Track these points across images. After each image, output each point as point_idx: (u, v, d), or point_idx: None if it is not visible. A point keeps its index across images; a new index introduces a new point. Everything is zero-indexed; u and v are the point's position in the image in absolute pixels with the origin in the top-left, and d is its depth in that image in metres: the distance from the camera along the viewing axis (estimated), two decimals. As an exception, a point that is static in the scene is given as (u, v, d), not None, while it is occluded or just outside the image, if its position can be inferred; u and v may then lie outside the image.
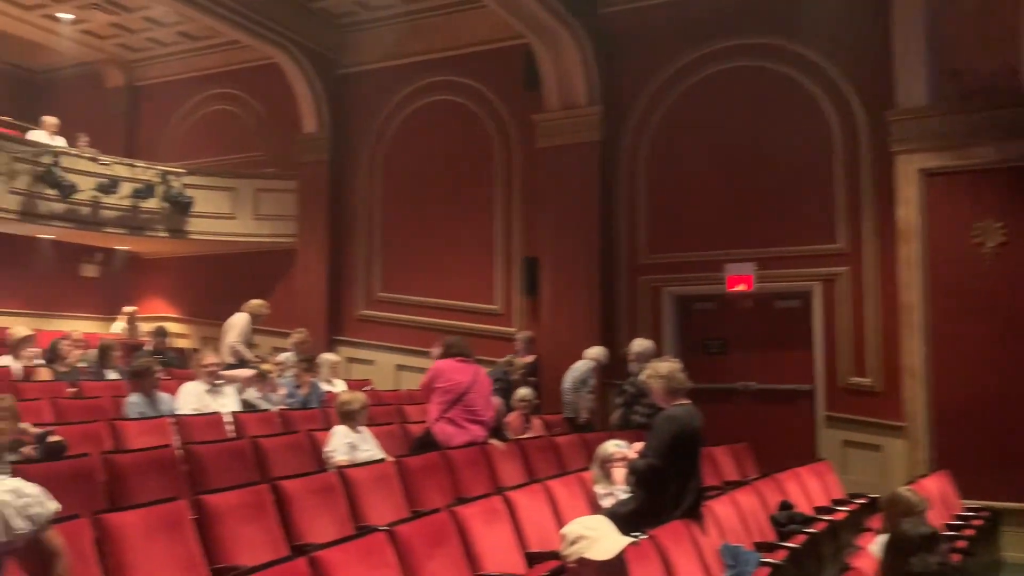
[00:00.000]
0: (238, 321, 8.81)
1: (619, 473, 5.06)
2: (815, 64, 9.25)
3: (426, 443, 5.99)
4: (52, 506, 2.06)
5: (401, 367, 11.35)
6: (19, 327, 8.32)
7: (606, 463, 5.17)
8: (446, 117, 11.43)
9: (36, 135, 11.57)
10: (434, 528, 3.89)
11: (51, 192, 10.74)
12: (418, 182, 11.58)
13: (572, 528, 2.83)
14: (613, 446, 5.19)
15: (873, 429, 8.66)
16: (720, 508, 4.99)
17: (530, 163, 10.63)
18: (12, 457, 3.99)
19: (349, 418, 5.70)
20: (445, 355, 6.36)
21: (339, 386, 9.02)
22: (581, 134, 10.02)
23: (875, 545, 3.97)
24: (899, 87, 8.51)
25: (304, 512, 4.30)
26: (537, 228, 10.39)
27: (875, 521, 5.11)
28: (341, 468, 4.91)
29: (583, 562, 2.75)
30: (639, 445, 4.71)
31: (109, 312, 13.44)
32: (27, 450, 4.51)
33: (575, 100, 10.09)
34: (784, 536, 5.40)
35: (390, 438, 6.42)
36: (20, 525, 1.96)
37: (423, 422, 7.17)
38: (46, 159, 10.73)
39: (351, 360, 11.65)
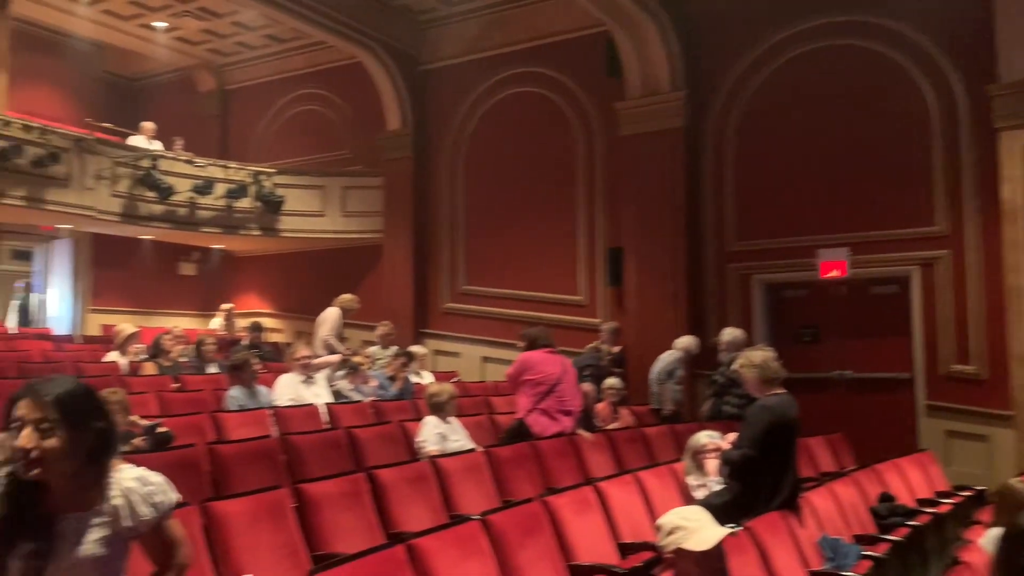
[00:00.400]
0: (330, 315, 9.03)
1: (712, 464, 4.98)
2: (908, 39, 8.87)
3: (519, 434, 6.00)
4: (174, 496, 2.14)
5: (487, 359, 11.44)
6: (125, 324, 8.72)
7: (698, 454, 5.09)
8: (527, 109, 11.44)
9: (135, 140, 12.10)
10: (527, 518, 3.90)
11: (150, 194, 11.22)
12: (500, 175, 11.62)
13: (669, 518, 2.80)
14: (706, 437, 5.10)
15: (978, 418, 8.28)
16: (818, 500, 4.85)
17: (613, 152, 10.54)
18: (123, 448, 4.19)
19: (438, 409, 5.77)
20: (532, 347, 6.35)
21: (427, 378, 9.15)
22: (664, 120, 9.87)
23: (986, 539, 3.78)
24: (1001, 59, 8.09)
25: (399, 501, 4.37)
26: (621, 217, 10.29)
27: (984, 514, 4.89)
28: (433, 458, 4.97)
29: (680, 552, 2.72)
30: (732, 436, 4.61)
31: (206, 309, 13.99)
32: (137, 441, 4.74)
33: (658, 86, 9.94)
34: (885, 529, 5.22)
35: (479, 429, 6.48)
36: (145, 512, 2.04)
37: (511, 413, 7.21)
38: (145, 163, 11.22)
39: (437, 352, 11.81)
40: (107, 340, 10.33)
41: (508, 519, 3.76)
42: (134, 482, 2.07)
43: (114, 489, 2.04)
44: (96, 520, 2.01)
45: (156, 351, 8.23)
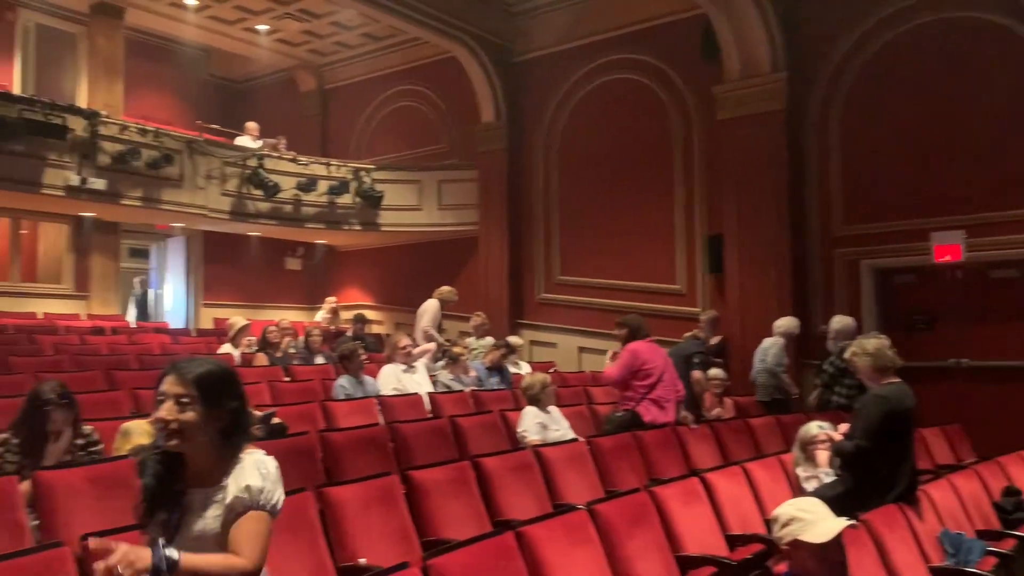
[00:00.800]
0: (430, 307, 9.19)
1: (823, 455, 4.84)
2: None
3: (630, 424, 5.96)
4: (280, 494, 2.17)
5: (583, 349, 11.42)
6: (237, 318, 9.08)
7: (809, 445, 4.95)
8: (622, 96, 11.32)
9: (242, 140, 12.57)
10: (633, 508, 3.88)
11: (257, 192, 11.65)
12: (595, 163, 11.55)
13: (785, 510, 2.73)
14: (816, 427, 4.96)
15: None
16: (937, 493, 4.65)
17: (711, 137, 10.32)
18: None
19: (534, 400, 5.80)
20: (633, 336, 6.29)
21: (525, 368, 9.22)
22: (765, 103, 9.59)
23: None
24: None
25: (503, 489, 4.41)
26: (720, 203, 10.06)
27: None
28: (536, 447, 4.99)
29: (797, 544, 2.65)
30: (845, 426, 4.46)
31: (311, 302, 14.44)
32: (252, 430, 4.93)
33: (757, 68, 9.67)
34: (1011, 524, 4.97)
35: (579, 419, 6.48)
36: (249, 495, 2.12)
37: (611, 403, 7.19)
38: (252, 162, 11.65)
39: (533, 343, 11.86)
40: (219, 333, 10.80)
41: (615, 509, 3.75)
42: (252, 465, 2.15)
43: (234, 469, 2.13)
44: (216, 497, 2.10)
45: (264, 343, 8.53)
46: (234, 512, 2.06)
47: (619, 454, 5.33)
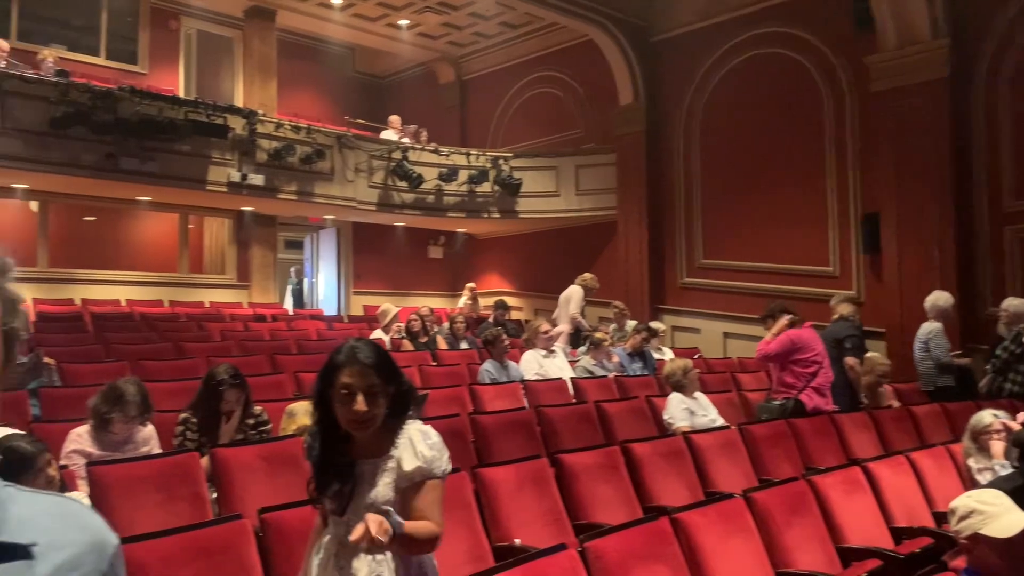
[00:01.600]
0: (575, 293, 9.22)
1: (997, 446, 4.50)
2: None
3: (793, 413, 5.77)
4: (447, 458, 2.28)
5: (728, 334, 11.13)
6: (388, 305, 9.41)
7: (982, 435, 4.61)
8: (767, 71, 10.89)
9: (386, 134, 12.98)
10: (791, 497, 3.75)
11: (401, 184, 12.01)
12: (739, 143, 11.19)
13: (963, 502, 2.56)
14: (990, 416, 4.62)
15: None
16: None
17: (864, 110, 9.77)
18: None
19: (679, 386, 5.70)
20: (793, 323, 6.06)
21: (668, 354, 9.08)
22: (925, 72, 8.96)
23: None
24: None
25: (653, 475, 4.37)
26: (876, 180, 9.51)
27: None
28: (686, 434, 4.91)
29: (978, 539, 2.48)
30: (1024, 415, 4.14)
31: (452, 289, 14.80)
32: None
33: (916, 35, 9.05)
34: None
35: (728, 406, 6.33)
36: (420, 462, 2.20)
37: (762, 390, 6.98)
38: (396, 155, 12.01)
39: (675, 328, 11.66)
40: (369, 319, 11.24)
41: (772, 497, 3.64)
42: (418, 434, 2.24)
43: (402, 437, 2.22)
44: (385, 466, 2.21)
45: (408, 332, 8.81)
46: (411, 483, 2.16)
47: (773, 442, 5.17)
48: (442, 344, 8.74)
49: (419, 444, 2.20)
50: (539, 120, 13.94)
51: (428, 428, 2.27)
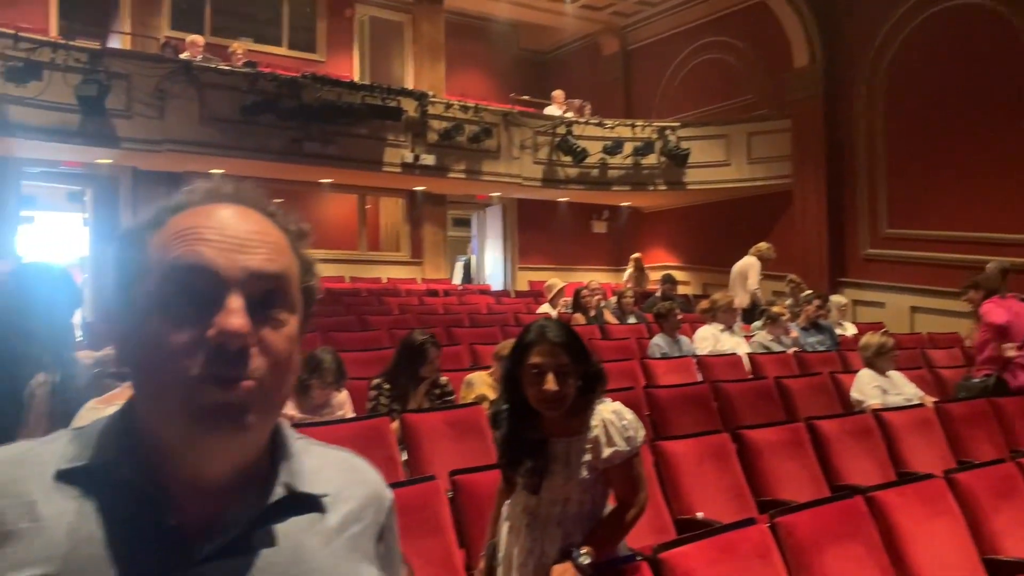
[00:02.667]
0: (751, 265, 8.94)
1: None
2: None
3: (991, 391, 5.36)
4: (643, 433, 2.28)
5: (916, 308, 10.42)
6: (555, 280, 9.48)
7: None
8: (960, 24, 9.97)
9: (550, 110, 13.03)
10: (998, 480, 3.49)
11: (566, 159, 12.03)
12: (928, 103, 10.36)
13: None
14: None
15: None
16: None
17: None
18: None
19: (871, 363, 5.39)
20: (990, 295, 5.61)
21: (850, 329, 8.65)
22: None
23: None
24: None
25: (841, 453, 4.19)
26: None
27: None
28: (876, 411, 4.66)
29: None
30: None
31: (616, 263, 14.71)
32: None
33: None
34: None
35: (921, 383, 5.92)
36: (620, 445, 2.21)
37: (956, 367, 6.53)
38: (560, 130, 12.04)
39: (857, 303, 11.04)
40: (535, 294, 11.40)
41: (977, 480, 3.40)
42: (612, 415, 2.24)
43: (595, 419, 2.23)
44: (580, 446, 2.23)
45: (577, 303, 8.84)
46: (611, 465, 2.18)
47: (972, 422, 4.82)
48: (610, 318, 8.72)
49: (614, 427, 2.20)
50: (707, 88, 13.51)
51: (620, 407, 2.27)
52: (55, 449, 0.77)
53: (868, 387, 5.21)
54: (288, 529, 0.79)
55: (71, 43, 8.91)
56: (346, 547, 0.83)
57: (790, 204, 11.99)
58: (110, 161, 10.24)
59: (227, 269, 0.74)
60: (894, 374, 5.37)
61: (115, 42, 11.87)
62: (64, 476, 0.75)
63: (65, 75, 8.59)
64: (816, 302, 7.73)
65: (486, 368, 5.10)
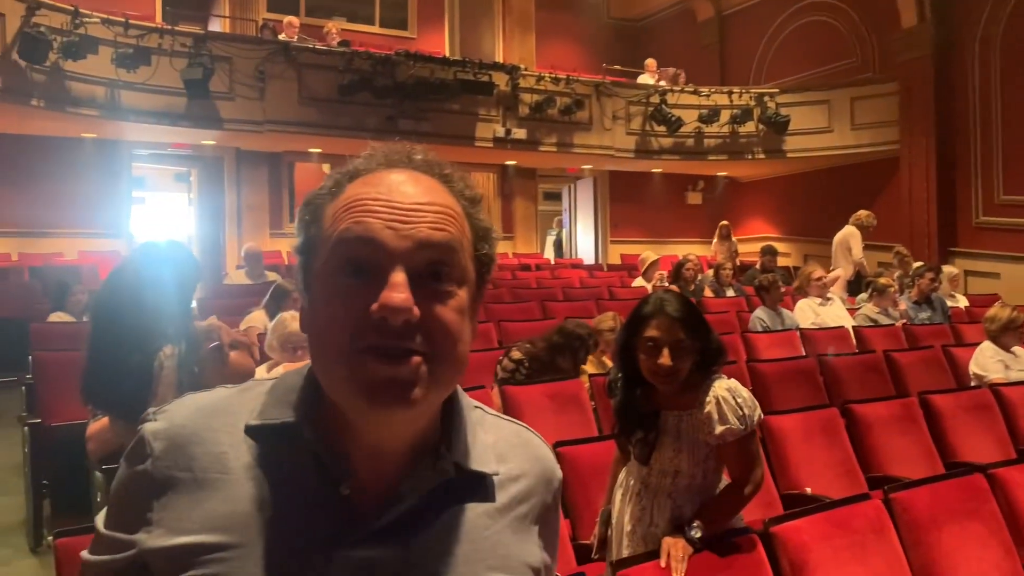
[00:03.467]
0: (853, 235, 8.63)
1: None
2: None
3: None
4: (759, 413, 2.23)
5: (1036, 279, 9.87)
6: (648, 253, 9.36)
7: None
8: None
9: (643, 79, 12.80)
10: None
11: (660, 129, 11.82)
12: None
13: None
14: None
15: None
16: None
17: None
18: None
19: (994, 336, 5.12)
20: None
21: (962, 301, 8.25)
22: None
23: None
24: None
25: (956, 429, 4.01)
26: None
27: None
28: (993, 386, 4.44)
29: None
30: None
31: (711, 236, 14.38)
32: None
33: None
34: None
35: (1042, 357, 5.62)
36: (733, 422, 2.17)
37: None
38: (654, 99, 11.83)
39: (969, 273, 10.51)
40: (628, 268, 11.29)
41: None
42: (726, 392, 2.20)
43: (709, 395, 2.20)
44: (691, 420, 2.20)
45: (676, 277, 8.70)
46: (722, 440, 2.15)
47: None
48: (708, 291, 8.57)
49: (728, 404, 2.17)
50: (808, 51, 13.00)
51: (736, 384, 2.24)
52: (247, 401, 0.79)
53: (990, 361, 4.96)
54: (457, 507, 0.79)
55: (176, 28, 9.25)
56: (511, 527, 0.82)
57: (896, 171, 11.48)
58: (214, 142, 10.64)
59: (391, 242, 0.73)
60: (1018, 349, 5.09)
61: (215, 26, 12.27)
62: (252, 431, 0.77)
63: (172, 60, 8.95)
64: (929, 275, 7.38)
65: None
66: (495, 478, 0.82)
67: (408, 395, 0.71)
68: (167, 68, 8.91)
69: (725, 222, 12.34)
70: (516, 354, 4.15)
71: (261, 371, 3.18)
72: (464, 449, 0.80)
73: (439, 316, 0.73)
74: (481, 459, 0.81)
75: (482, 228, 0.82)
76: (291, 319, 3.49)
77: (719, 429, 2.16)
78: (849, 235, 8.67)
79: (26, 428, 4.07)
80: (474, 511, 0.80)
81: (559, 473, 0.91)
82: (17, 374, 6.01)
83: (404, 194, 0.76)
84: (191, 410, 0.79)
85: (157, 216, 14.39)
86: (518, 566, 0.81)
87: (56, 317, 5.97)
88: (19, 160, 10.01)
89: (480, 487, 0.81)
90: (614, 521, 2.34)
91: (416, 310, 0.71)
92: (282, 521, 0.73)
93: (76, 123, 9.32)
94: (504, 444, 0.86)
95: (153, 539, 0.74)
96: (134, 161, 11.27)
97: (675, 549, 2.04)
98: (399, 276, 0.72)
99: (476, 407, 0.86)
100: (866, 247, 9.42)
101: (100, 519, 0.80)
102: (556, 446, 2.98)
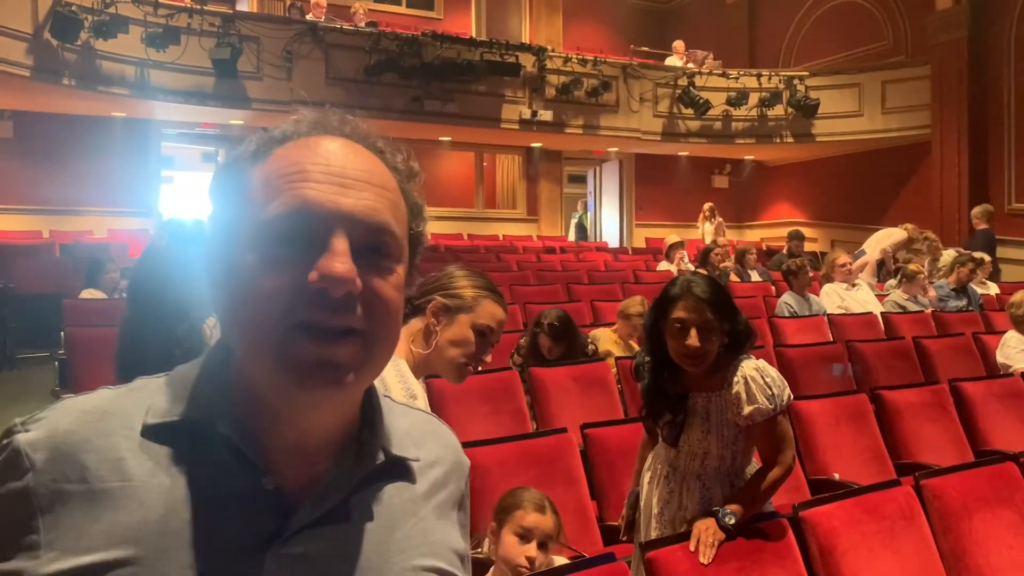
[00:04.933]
0: (899, 235, 8.54)
1: None
2: None
3: None
4: (788, 393, 2.21)
5: (1068, 267, 9.71)
6: (673, 236, 9.33)
7: None
8: None
9: (671, 61, 12.68)
10: None
11: (687, 111, 11.72)
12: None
13: None
14: None
15: None
16: None
17: None
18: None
19: (1021, 323, 5.05)
20: None
21: (993, 289, 8.14)
22: None
23: None
24: None
25: (987, 417, 3.98)
26: None
27: None
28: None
29: None
30: None
31: (739, 219, 14.30)
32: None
33: None
34: None
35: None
36: (762, 403, 2.15)
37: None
38: (682, 81, 11.72)
39: (1001, 261, 10.34)
40: (653, 251, 11.23)
41: None
42: (754, 372, 2.19)
43: (737, 376, 2.18)
44: (720, 402, 2.20)
45: (704, 262, 8.65)
46: (751, 420, 2.15)
47: None
48: (733, 276, 8.51)
49: (756, 384, 2.16)
50: (839, 34, 12.80)
51: (764, 364, 2.22)
52: (140, 400, 0.71)
53: (1014, 351, 4.89)
54: (382, 495, 0.75)
55: (205, 8, 9.28)
56: (435, 513, 0.79)
57: (927, 156, 11.31)
58: (242, 122, 10.69)
59: (332, 210, 0.67)
60: (1046, 336, 5.02)
61: (244, 5, 12.30)
62: (152, 432, 0.69)
63: (200, 39, 8.98)
64: (970, 264, 7.28)
65: (608, 324, 5.09)
66: (415, 464, 0.78)
67: (342, 378, 0.66)
68: (196, 48, 8.95)
69: (709, 204, 12.13)
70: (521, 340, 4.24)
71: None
72: (388, 435, 0.76)
73: (380, 291, 0.68)
74: (401, 445, 0.77)
75: (416, 204, 0.78)
76: None
77: (747, 409, 2.15)
78: (893, 234, 8.55)
79: (60, 402, 4.13)
80: (400, 498, 0.76)
81: (467, 461, 0.87)
82: (50, 349, 6.13)
83: (343, 163, 0.70)
84: (75, 414, 0.69)
85: (185, 195, 14.51)
86: (445, 552, 0.78)
87: (88, 294, 6.04)
88: (50, 139, 10.13)
89: (402, 473, 0.77)
90: (642, 504, 2.34)
91: (359, 282, 0.65)
92: (202, 525, 0.66)
93: (106, 102, 9.40)
94: (417, 431, 0.82)
95: (44, 564, 0.63)
96: (163, 140, 11.37)
97: (706, 534, 2.04)
98: (341, 243, 0.66)
99: (384, 395, 0.80)
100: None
101: None
102: (584, 428, 3.00)
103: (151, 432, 0.69)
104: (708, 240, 11.52)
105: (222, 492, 0.68)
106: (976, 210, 9.26)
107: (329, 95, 9.89)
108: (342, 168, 0.69)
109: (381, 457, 0.75)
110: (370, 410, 0.76)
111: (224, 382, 0.71)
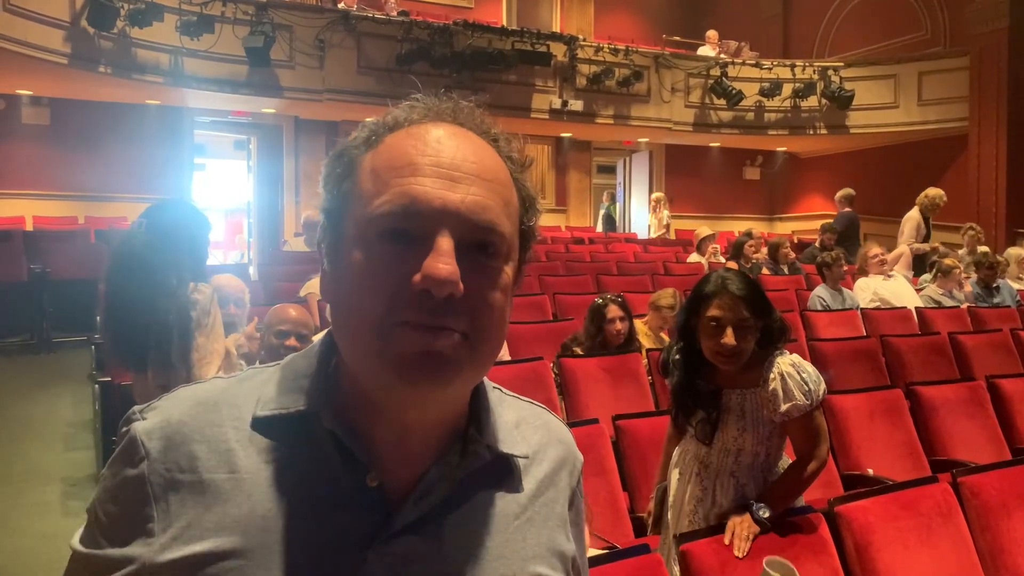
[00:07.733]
0: (909, 219, 8.41)
1: None
2: None
3: None
4: (823, 387, 2.19)
5: (1109, 263, 9.47)
6: (703, 228, 9.27)
7: None
8: None
9: (703, 51, 12.56)
10: None
11: (719, 102, 11.61)
12: None
13: None
14: None
15: None
16: None
17: None
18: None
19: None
20: None
21: (1031, 285, 8.00)
22: None
23: None
24: None
25: (1024, 415, 3.92)
26: None
27: None
28: (1065, 371, 4.31)
29: None
30: None
31: (770, 212, 14.17)
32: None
33: None
34: None
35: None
36: (798, 398, 2.13)
37: None
38: (714, 71, 11.60)
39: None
40: (683, 243, 11.15)
41: None
42: (791, 367, 2.17)
43: (772, 372, 2.16)
44: (756, 399, 2.18)
45: (736, 253, 8.57)
46: (788, 416, 2.13)
47: None
48: (764, 269, 8.43)
49: (793, 380, 2.13)
50: (875, 23, 12.59)
51: (799, 359, 2.20)
52: (250, 391, 0.72)
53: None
54: (485, 495, 0.74)
55: (239, -4, 9.34)
56: (541, 514, 0.77)
57: (964, 149, 11.11)
58: (274, 110, 10.75)
59: (439, 208, 0.65)
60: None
61: (276, -6, 12.33)
62: (260, 424, 0.69)
63: (234, 27, 9.05)
64: (987, 271, 7.15)
65: (639, 316, 5.06)
66: (522, 462, 0.77)
67: (445, 375, 0.65)
68: (229, 36, 9.02)
69: (659, 194, 11.94)
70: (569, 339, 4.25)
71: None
72: (493, 431, 0.74)
73: (484, 295, 0.66)
74: (510, 441, 0.76)
75: (529, 197, 0.74)
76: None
77: (785, 406, 2.13)
78: (906, 219, 8.43)
79: (96, 386, 4.21)
80: (503, 497, 0.74)
81: (581, 456, 0.85)
82: (86, 333, 6.22)
83: (453, 154, 0.68)
84: (188, 404, 0.70)
85: (217, 183, 14.65)
86: (547, 555, 0.76)
87: (123, 279, 6.11)
88: (85, 126, 10.26)
89: (508, 471, 0.76)
90: (671, 500, 2.33)
91: (461, 285, 0.64)
92: (306, 519, 0.67)
93: (141, 90, 9.51)
94: (528, 427, 0.80)
95: (158, 551, 0.65)
96: (196, 128, 11.47)
97: (740, 528, 2.03)
98: (446, 243, 0.64)
99: (494, 387, 0.79)
100: (938, 227, 9.13)
101: (76, 539, 0.70)
102: (616, 419, 2.99)
103: (260, 424, 0.70)
104: (655, 233, 11.50)
105: (326, 487, 0.68)
106: (839, 193, 9.71)
107: (361, 84, 9.92)
108: (451, 159, 0.67)
109: (487, 456, 0.73)
110: (479, 406, 0.75)
111: (330, 376, 0.72)
